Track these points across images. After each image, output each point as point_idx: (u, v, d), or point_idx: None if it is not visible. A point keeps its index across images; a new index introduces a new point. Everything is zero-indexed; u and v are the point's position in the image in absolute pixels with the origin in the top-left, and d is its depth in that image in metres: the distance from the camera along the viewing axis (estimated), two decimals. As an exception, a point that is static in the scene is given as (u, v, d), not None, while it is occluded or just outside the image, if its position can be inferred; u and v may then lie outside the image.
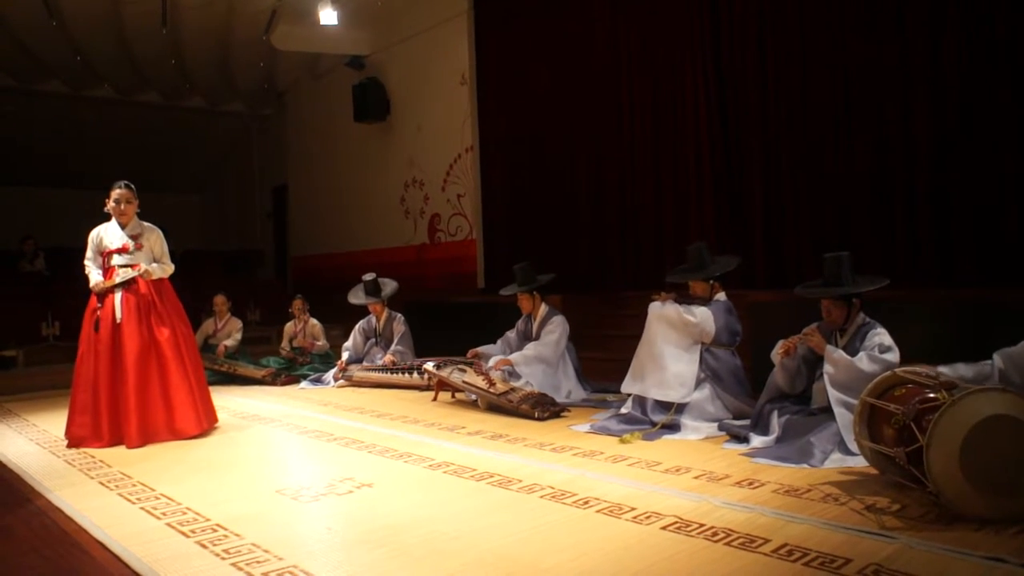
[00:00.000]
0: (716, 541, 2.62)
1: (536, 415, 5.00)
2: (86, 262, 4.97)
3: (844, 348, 3.91)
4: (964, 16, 5.26)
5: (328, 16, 9.33)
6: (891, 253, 5.61)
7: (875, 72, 5.74)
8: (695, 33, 7.05)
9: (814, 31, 6.13)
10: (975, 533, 2.60)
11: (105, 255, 4.93)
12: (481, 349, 6.13)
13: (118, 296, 4.79)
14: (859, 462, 3.44)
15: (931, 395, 2.92)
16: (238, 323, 8.01)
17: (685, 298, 4.82)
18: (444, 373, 5.88)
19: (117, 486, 3.68)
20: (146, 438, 4.62)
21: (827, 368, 3.83)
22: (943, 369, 3.23)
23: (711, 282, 4.85)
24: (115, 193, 4.94)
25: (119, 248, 4.91)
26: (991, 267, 5.14)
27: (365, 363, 7.30)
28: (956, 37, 5.30)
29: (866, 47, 5.78)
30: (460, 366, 5.93)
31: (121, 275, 4.84)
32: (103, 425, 4.62)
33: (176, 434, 4.73)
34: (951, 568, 2.30)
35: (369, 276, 7.44)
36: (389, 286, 7.49)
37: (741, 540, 2.62)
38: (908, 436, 2.88)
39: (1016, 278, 4.85)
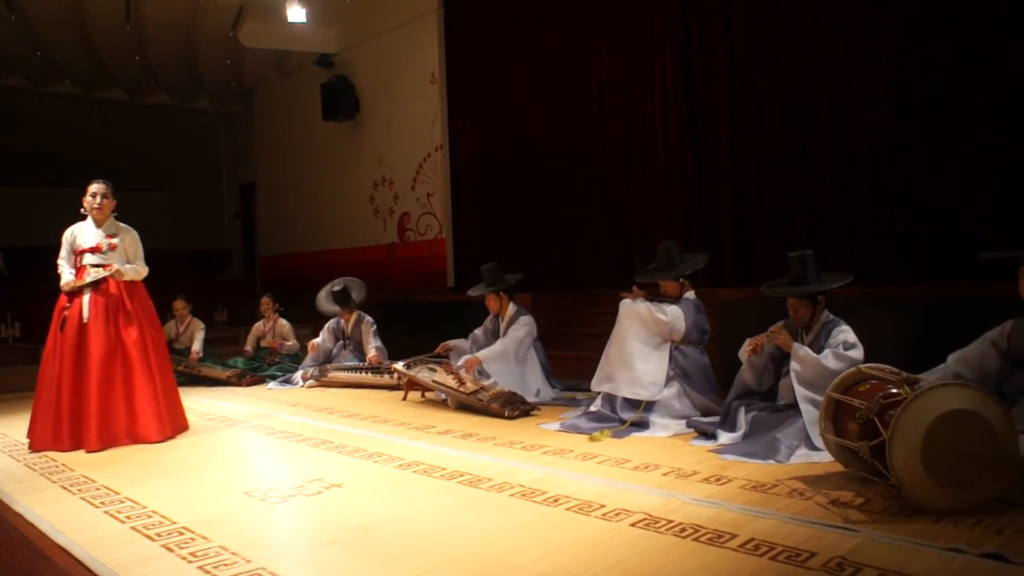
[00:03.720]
0: (684, 537, 2.65)
1: (506, 414, 5.00)
2: (59, 261, 4.86)
3: (810, 345, 3.97)
4: (929, 18, 5.36)
5: (296, 13, 9.23)
6: (857, 251, 5.70)
7: (841, 74, 5.83)
8: (664, 34, 7.10)
9: (781, 33, 6.21)
10: (935, 525, 2.66)
11: (78, 254, 4.84)
12: (452, 343, 6.13)
13: (87, 296, 4.70)
14: (824, 457, 3.50)
15: (894, 390, 2.98)
16: (200, 324, 7.89)
17: (655, 297, 4.86)
18: (414, 372, 5.86)
19: (80, 490, 3.61)
20: (106, 442, 4.51)
21: (794, 366, 3.89)
22: None
23: (681, 280, 4.90)
24: (93, 187, 4.84)
25: (92, 247, 4.81)
26: (953, 264, 5.25)
27: (334, 363, 7.25)
28: (921, 39, 5.41)
29: (832, 49, 5.88)
30: (430, 365, 5.92)
31: (92, 275, 4.75)
32: (64, 428, 4.51)
33: (136, 439, 4.62)
34: (912, 559, 2.35)
35: (338, 286, 7.37)
36: (357, 290, 7.44)
37: (709, 536, 2.65)
38: (872, 431, 2.93)
39: (977, 275, 4.96)
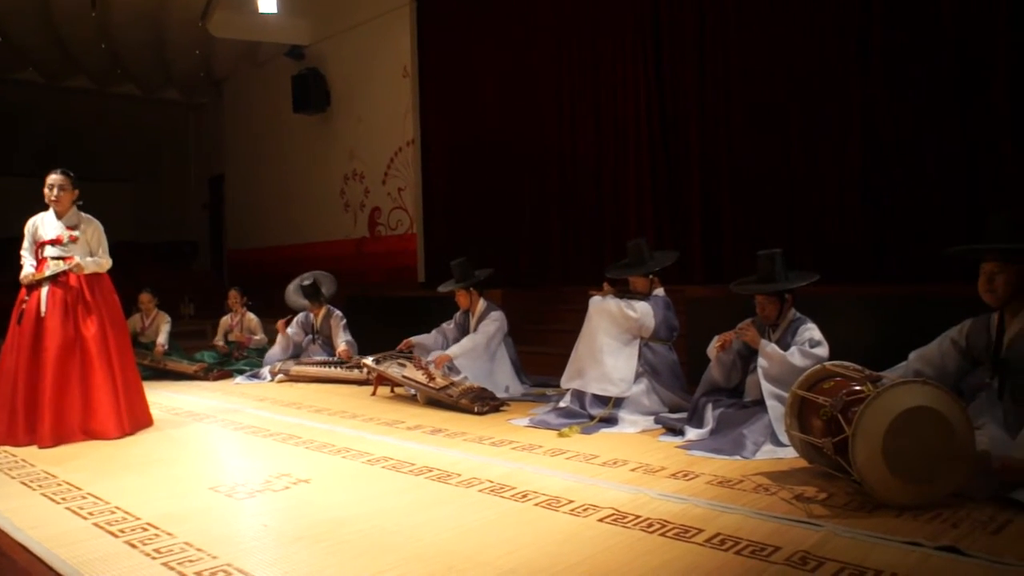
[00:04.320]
0: (651, 532, 2.67)
1: (476, 409, 5.01)
2: (23, 252, 4.75)
3: (776, 342, 4.03)
4: (890, 23, 5.46)
5: (267, 4, 9.11)
6: (822, 250, 5.78)
7: (810, 77, 5.91)
8: (636, 33, 7.14)
9: (751, 34, 6.28)
10: (895, 519, 2.71)
11: (39, 246, 4.73)
12: (416, 339, 6.11)
13: (45, 290, 4.59)
14: (789, 453, 3.55)
15: (857, 388, 3.03)
16: (166, 317, 7.79)
17: (625, 293, 4.89)
18: (383, 367, 5.84)
19: (41, 486, 3.54)
20: (59, 439, 4.39)
21: (761, 362, 3.94)
22: None
23: (650, 277, 4.93)
24: (51, 178, 4.73)
25: (53, 239, 4.71)
26: (915, 264, 5.35)
27: (302, 358, 7.20)
28: (884, 43, 5.50)
29: (802, 52, 5.95)
30: (399, 360, 5.90)
31: (52, 267, 4.65)
32: (19, 423, 4.41)
33: (91, 435, 4.51)
34: (872, 553, 2.40)
35: (307, 280, 7.32)
36: (327, 284, 7.39)
37: (676, 531, 2.68)
38: (835, 427, 2.98)
39: (937, 274, 5.07)
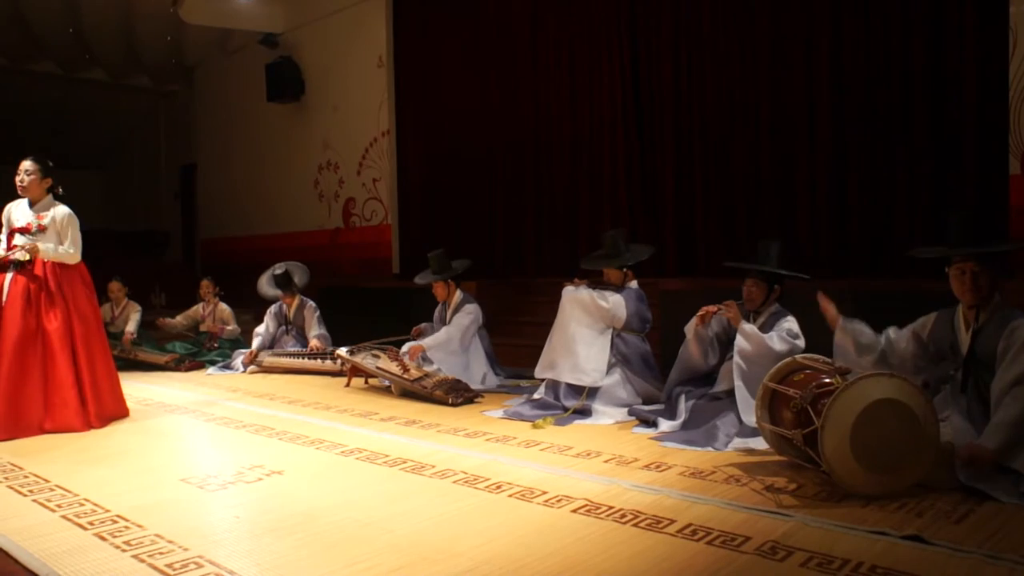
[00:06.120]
0: (624, 523, 2.70)
1: (450, 401, 5.01)
2: None
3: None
4: (862, 25, 5.53)
5: (240, -10, 9.01)
6: (793, 245, 5.84)
7: (782, 76, 5.98)
8: (612, 26, 7.15)
9: (726, 32, 6.33)
10: (862, 509, 2.76)
11: (10, 233, 4.64)
12: (424, 326, 6.12)
13: (7, 279, 4.50)
14: (760, 445, 3.60)
15: (827, 380, 3.08)
16: (136, 307, 7.68)
17: (599, 285, 4.91)
18: (357, 359, 5.82)
19: (7, 478, 3.48)
20: (13, 432, 4.27)
21: (739, 341, 3.97)
22: (847, 324, 3.47)
23: (624, 270, 4.96)
24: (21, 165, 4.65)
25: (22, 227, 4.62)
26: (882, 260, 5.44)
27: (276, 349, 7.15)
28: (855, 46, 5.58)
29: (774, 52, 6.03)
30: (374, 351, 5.89)
31: (16, 255, 4.56)
32: None
33: (52, 430, 4.39)
34: (840, 542, 2.44)
35: (279, 269, 7.25)
36: (299, 274, 7.34)
37: (648, 521, 2.70)
38: (805, 419, 3.03)
39: (903, 270, 5.16)
